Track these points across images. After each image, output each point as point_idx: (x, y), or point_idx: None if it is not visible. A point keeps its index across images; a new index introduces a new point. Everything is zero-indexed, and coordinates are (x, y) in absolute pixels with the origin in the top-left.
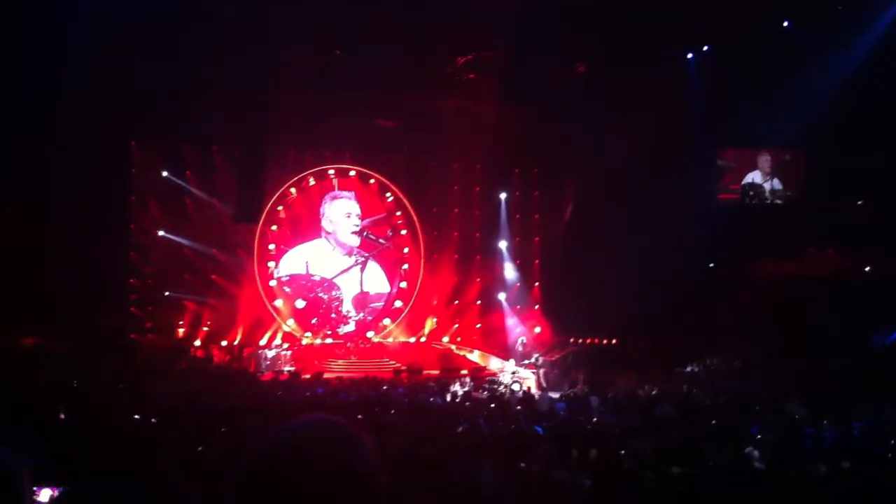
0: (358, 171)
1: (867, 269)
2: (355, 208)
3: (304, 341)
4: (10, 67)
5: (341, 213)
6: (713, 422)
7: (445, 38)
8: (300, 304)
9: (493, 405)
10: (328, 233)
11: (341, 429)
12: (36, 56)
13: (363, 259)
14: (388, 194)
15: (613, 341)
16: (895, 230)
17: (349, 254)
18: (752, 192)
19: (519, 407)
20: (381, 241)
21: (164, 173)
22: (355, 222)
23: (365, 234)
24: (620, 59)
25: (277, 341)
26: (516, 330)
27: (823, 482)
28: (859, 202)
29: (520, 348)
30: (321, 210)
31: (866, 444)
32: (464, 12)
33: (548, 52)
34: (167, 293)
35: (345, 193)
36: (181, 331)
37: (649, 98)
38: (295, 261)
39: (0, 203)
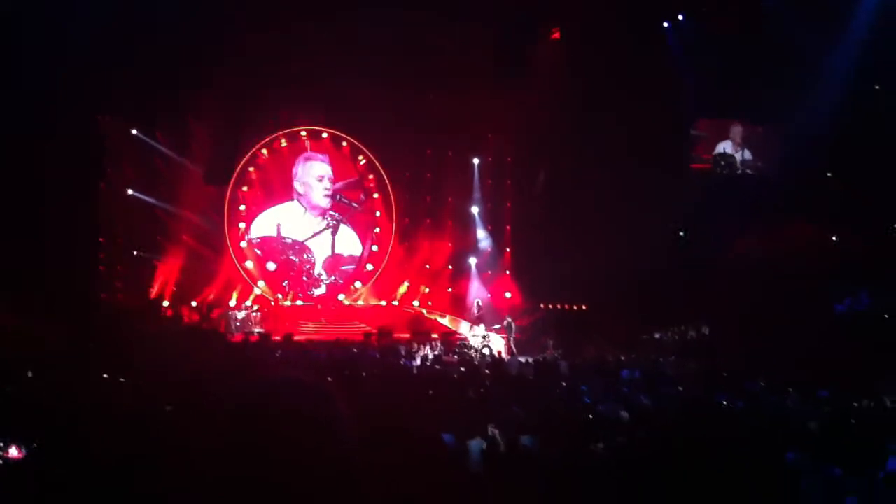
0: (330, 134)
1: (834, 239)
2: (328, 171)
3: (280, 302)
4: None
5: (314, 176)
6: (680, 389)
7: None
8: (271, 266)
9: (463, 369)
10: (300, 195)
11: (311, 386)
12: (15, 25)
13: (335, 222)
14: (361, 157)
15: (583, 307)
16: (863, 202)
17: (321, 215)
18: (723, 162)
19: (488, 371)
20: (353, 204)
21: (134, 132)
22: (327, 185)
23: (338, 197)
24: (597, 26)
25: (248, 303)
26: (475, 293)
27: (785, 448)
28: (829, 174)
29: (475, 311)
30: (294, 171)
31: (831, 411)
32: None
33: (523, 19)
34: (136, 252)
35: (318, 155)
36: (151, 291)
37: (625, 66)
38: (266, 223)
39: None
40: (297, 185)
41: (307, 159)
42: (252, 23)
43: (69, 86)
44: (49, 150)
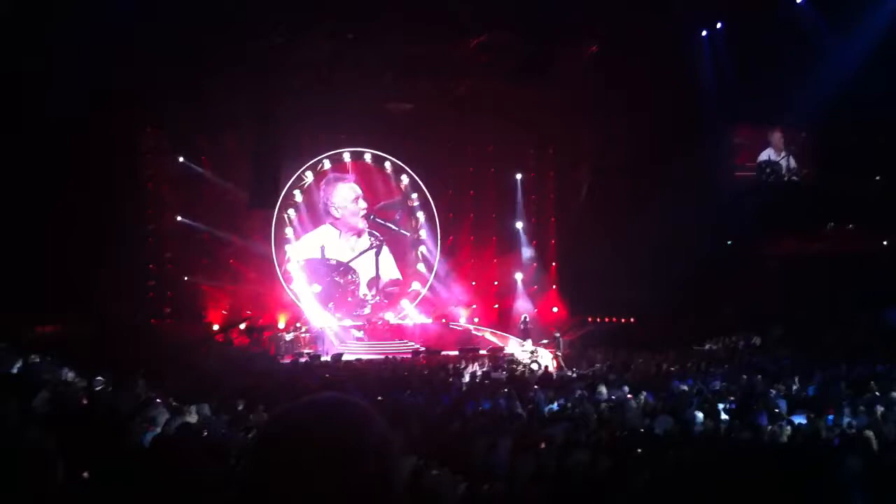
0: (373, 155)
1: (885, 243)
2: (360, 192)
3: (323, 324)
4: (31, 57)
5: (350, 199)
6: (732, 399)
7: (458, 20)
8: (317, 288)
9: (511, 385)
10: (336, 219)
11: (352, 407)
12: (55, 45)
13: (378, 243)
14: (404, 177)
15: (631, 320)
16: None
17: (357, 235)
18: (769, 170)
19: (537, 386)
20: (388, 224)
21: (181, 159)
22: (363, 206)
23: (371, 217)
24: (633, 38)
25: (297, 325)
26: (521, 309)
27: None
28: (877, 177)
29: (521, 326)
30: (321, 194)
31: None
32: None
33: (560, 32)
34: (186, 278)
35: (346, 176)
36: (201, 315)
37: (663, 77)
38: (309, 246)
39: (17, 191)
40: (332, 210)
41: (336, 181)
42: (293, 45)
43: (116, 112)
44: (98, 178)
